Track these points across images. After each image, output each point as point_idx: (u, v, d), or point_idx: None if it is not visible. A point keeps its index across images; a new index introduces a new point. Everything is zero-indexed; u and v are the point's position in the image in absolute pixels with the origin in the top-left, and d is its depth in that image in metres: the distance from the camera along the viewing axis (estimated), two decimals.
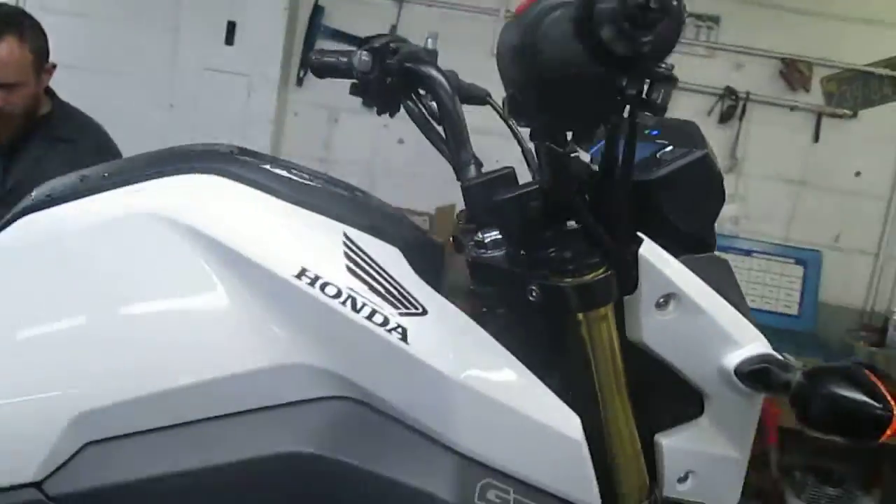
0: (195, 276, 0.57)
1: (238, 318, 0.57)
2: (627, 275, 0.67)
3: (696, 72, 2.73)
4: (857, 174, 2.73)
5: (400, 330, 0.57)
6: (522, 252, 0.70)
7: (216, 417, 0.57)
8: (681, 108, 2.75)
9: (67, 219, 0.59)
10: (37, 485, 0.55)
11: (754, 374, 0.70)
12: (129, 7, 2.98)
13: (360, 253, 0.61)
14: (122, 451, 0.56)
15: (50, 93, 2.03)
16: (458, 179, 0.81)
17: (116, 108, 2.31)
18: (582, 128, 0.58)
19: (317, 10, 2.99)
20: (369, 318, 0.57)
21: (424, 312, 0.59)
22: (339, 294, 0.57)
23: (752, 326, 0.74)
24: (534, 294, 0.66)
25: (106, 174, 0.62)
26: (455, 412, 0.58)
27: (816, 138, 2.73)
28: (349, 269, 0.59)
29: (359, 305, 0.57)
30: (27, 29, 1.83)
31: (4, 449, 0.55)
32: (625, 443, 0.70)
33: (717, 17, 2.79)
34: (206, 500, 0.56)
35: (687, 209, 0.72)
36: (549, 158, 0.61)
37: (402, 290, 0.60)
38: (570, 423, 0.62)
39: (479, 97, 0.93)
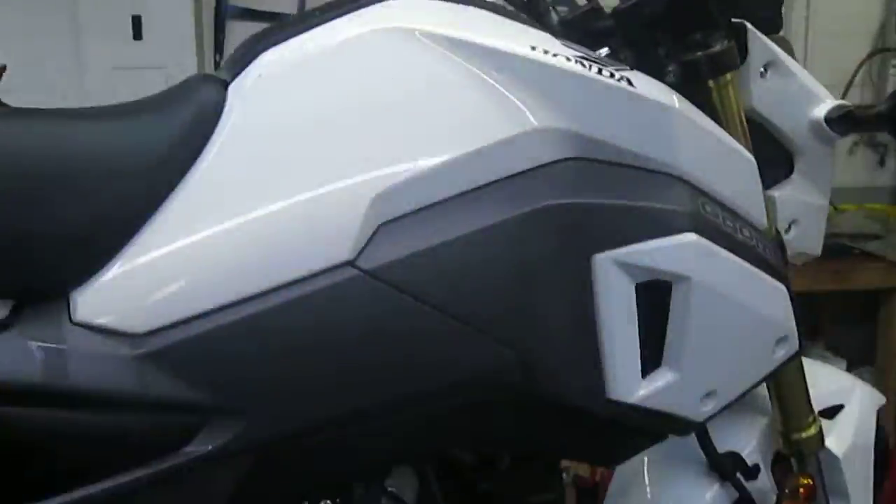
0: (445, 70, 0.64)
1: (488, 97, 0.65)
2: (741, 45, 0.81)
3: None
4: None
5: (625, 79, 0.68)
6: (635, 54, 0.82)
7: (479, 188, 0.65)
8: None
9: (306, 47, 0.65)
10: (351, 262, 0.62)
11: (841, 119, 0.86)
12: (26, 15, 2.87)
13: (554, 39, 0.71)
14: (411, 225, 0.63)
15: None
16: (543, 24, 0.92)
17: None
18: None
19: None
20: (599, 73, 0.67)
21: (632, 69, 0.70)
22: (569, 59, 0.67)
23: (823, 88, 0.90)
24: (671, 74, 0.79)
25: (315, 14, 0.69)
26: (677, 139, 0.69)
27: None
28: (564, 45, 0.69)
29: (587, 65, 0.67)
30: None
31: (321, 234, 0.61)
32: None
33: None
34: (483, 263, 0.64)
35: None
36: None
37: (601, 58, 0.70)
38: (746, 153, 0.75)
39: None
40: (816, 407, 1.00)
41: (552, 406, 0.71)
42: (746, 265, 0.72)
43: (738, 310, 0.73)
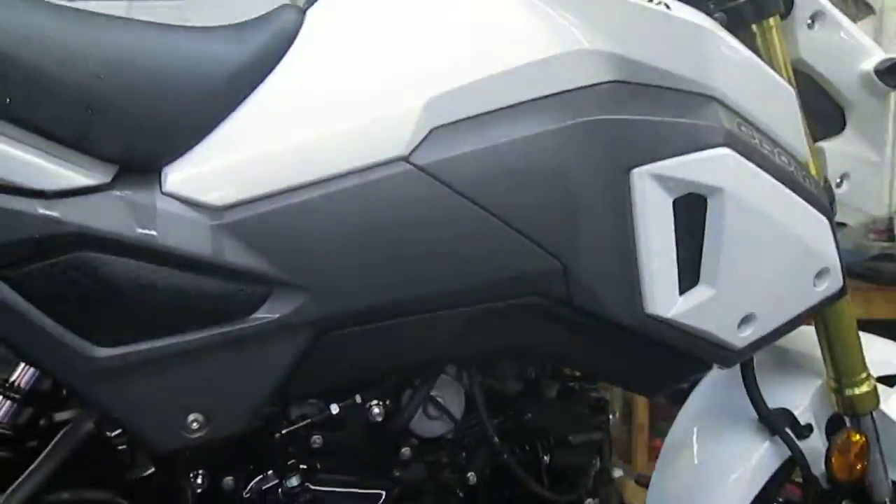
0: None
1: (539, 19, 0.72)
2: None
3: None
4: None
5: (664, 4, 0.73)
6: None
7: (526, 102, 0.71)
8: None
9: None
10: (405, 158, 0.69)
11: (890, 70, 0.88)
12: None
13: None
14: (462, 130, 0.70)
15: None
16: None
17: None
18: None
19: None
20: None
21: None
22: None
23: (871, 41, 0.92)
24: (717, 21, 0.83)
25: None
26: (713, 60, 0.74)
27: None
28: None
29: None
30: None
31: (379, 131, 0.68)
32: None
33: None
34: (526, 169, 0.70)
35: None
36: None
37: None
38: (785, 84, 0.79)
39: None
40: (875, 374, 1.00)
41: (591, 319, 0.75)
42: (783, 188, 0.75)
43: (773, 230, 0.75)
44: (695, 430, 1.07)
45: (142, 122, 0.66)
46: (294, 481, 0.73)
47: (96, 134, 0.64)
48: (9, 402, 0.74)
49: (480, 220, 0.70)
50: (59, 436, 0.68)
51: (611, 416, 0.96)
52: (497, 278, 0.72)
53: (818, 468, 0.99)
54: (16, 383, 0.75)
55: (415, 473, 0.80)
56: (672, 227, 0.74)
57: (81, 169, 0.64)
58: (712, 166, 0.72)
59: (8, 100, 0.60)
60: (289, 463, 0.75)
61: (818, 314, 0.94)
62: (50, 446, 0.68)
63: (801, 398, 1.01)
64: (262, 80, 0.70)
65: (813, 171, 0.86)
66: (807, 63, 0.89)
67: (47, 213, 0.62)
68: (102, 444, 0.71)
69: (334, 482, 0.75)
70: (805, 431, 0.97)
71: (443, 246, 0.70)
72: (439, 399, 0.83)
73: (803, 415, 0.99)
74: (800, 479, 1.02)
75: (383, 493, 0.77)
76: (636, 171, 0.72)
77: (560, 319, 0.76)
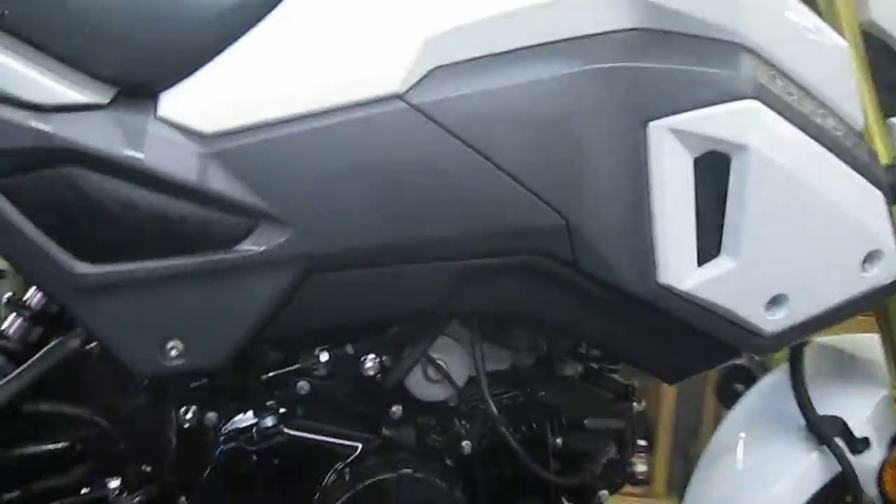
0: None
1: None
2: None
3: None
4: None
5: None
6: None
7: (539, 45, 0.67)
8: None
9: None
10: (399, 96, 0.66)
11: None
12: None
13: None
14: (466, 71, 0.66)
15: None
16: None
17: None
18: None
19: None
20: None
21: None
22: None
23: None
24: None
25: None
26: (744, 5, 0.66)
27: None
28: None
29: None
30: None
31: (374, 65, 0.66)
32: (869, 109, 0.78)
33: None
34: (532, 115, 0.66)
35: None
36: None
37: None
38: (837, 39, 0.70)
39: None
40: None
41: (597, 285, 0.69)
42: (824, 151, 0.67)
43: (808, 198, 0.67)
44: (741, 435, 0.98)
45: (140, 46, 0.66)
46: (269, 422, 0.72)
47: (94, 55, 0.65)
48: (20, 320, 0.77)
49: (477, 166, 0.66)
50: (44, 349, 0.70)
51: (635, 405, 0.89)
52: (494, 230, 0.68)
53: (874, 488, 0.88)
54: (28, 302, 0.77)
55: (403, 434, 0.77)
56: (692, 188, 0.67)
57: (79, 87, 0.65)
58: (737, 120, 0.65)
59: (6, 11, 0.62)
60: (268, 404, 0.74)
61: (880, 314, 0.84)
62: (34, 358, 0.70)
63: (860, 409, 0.90)
64: (266, 13, 0.69)
65: (880, 147, 0.77)
66: (880, 27, 0.80)
67: (40, 126, 0.63)
68: (96, 363, 0.73)
69: (311, 429, 0.74)
70: (860, 445, 0.87)
71: (435, 191, 0.67)
72: (441, 362, 0.79)
73: (861, 427, 0.88)
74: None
75: (359, 446, 0.75)
76: (653, 123, 0.66)
77: (564, 283, 0.71)
